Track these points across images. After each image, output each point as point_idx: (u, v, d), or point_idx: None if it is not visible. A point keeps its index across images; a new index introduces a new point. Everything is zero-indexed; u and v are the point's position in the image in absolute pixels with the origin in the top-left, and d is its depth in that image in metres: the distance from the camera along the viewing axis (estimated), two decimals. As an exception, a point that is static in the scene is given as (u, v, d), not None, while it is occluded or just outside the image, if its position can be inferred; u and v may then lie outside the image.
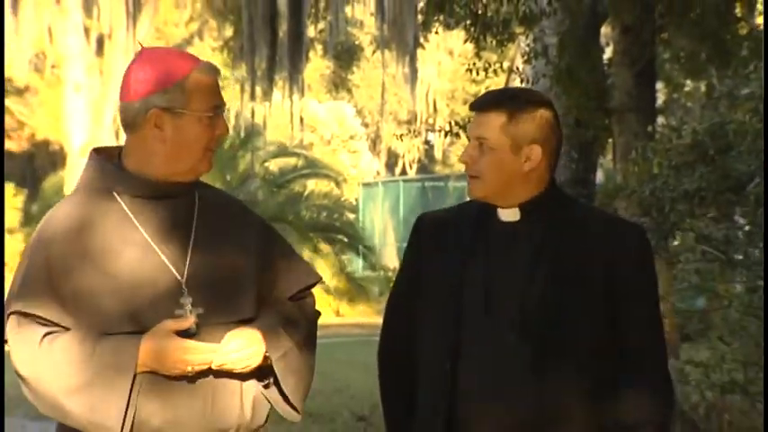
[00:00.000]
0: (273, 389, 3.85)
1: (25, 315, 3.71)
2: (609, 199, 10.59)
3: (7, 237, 42.43)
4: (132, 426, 3.64)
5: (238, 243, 3.89)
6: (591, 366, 3.78)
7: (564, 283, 3.79)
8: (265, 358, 3.77)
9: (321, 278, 4.19)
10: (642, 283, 3.89)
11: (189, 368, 3.63)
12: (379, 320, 4.23)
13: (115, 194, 3.79)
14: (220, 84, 3.89)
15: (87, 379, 3.61)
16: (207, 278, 3.77)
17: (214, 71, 3.89)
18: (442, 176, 43.44)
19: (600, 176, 16.98)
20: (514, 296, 3.79)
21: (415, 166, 51.87)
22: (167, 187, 3.82)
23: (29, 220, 40.61)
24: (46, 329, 3.69)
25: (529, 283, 3.80)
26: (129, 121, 3.82)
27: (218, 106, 3.86)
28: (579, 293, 3.79)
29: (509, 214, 3.89)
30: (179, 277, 3.73)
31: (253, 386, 3.81)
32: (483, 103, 3.96)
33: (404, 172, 50.62)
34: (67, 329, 3.68)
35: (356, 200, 39.83)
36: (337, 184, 36.11)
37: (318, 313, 4.10)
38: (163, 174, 3.81)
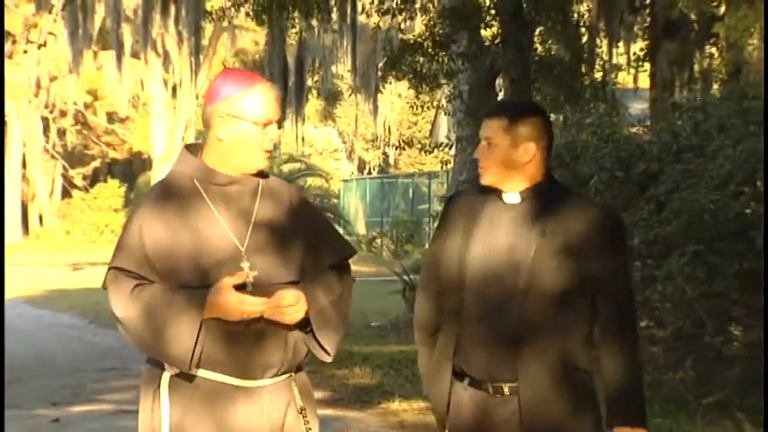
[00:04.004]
0: (311, 336, 3.43)
1: (121, 270, 3.37)
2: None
3: (113, 214, 42.36)
4: (201, 357, 3.30)
5: (291, 221, 3.46)
6: (564, 310, 3.36)
7: (548, 250, 3.36)
8: (306, 312, 3.38)
9: (356, 251, 3.69)
10: (613, 252, 3.43)
11: (245, 316, 3.27)
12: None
13: (195, 181, 3.40)
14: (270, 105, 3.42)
15: (165, 322, 3.28)
16: (263, 248, 3.38)
17: (270, 91, 3.42)
18: (393, 175, 43.29)
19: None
20: (511, 257, 3.39)
21: (376, 169, 51.74)
22: (234, 177, 3.41)
23: (128, 203, 40.58)
24: (136, 282, 3.34)
25: (522, 248, 3.38)
26: (205, 123, 3.48)
27: (270, 118, 3.38)
28: (560, 257, 3.36)
29: (511, 198, 3.47)
30: (240, 247, 3.34)
31: (295, 333, 3.40)
32: (490, 111, 3.59)
33: (369, 173, 50.36)
34: (153, 282, 3.35)
35: (338, 191, 39.69)
36: (326, 180, 36.10)
37: (353, 279, 3.63)
38: (227, 167, 3.40)
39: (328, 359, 3.46)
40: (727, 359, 7.90)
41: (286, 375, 3.44)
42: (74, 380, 10.98)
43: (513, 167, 3.46)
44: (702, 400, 7.72)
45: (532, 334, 3.36)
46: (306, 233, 3.49)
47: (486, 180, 3.50)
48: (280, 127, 3.55)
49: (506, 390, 3.40)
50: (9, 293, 22.08)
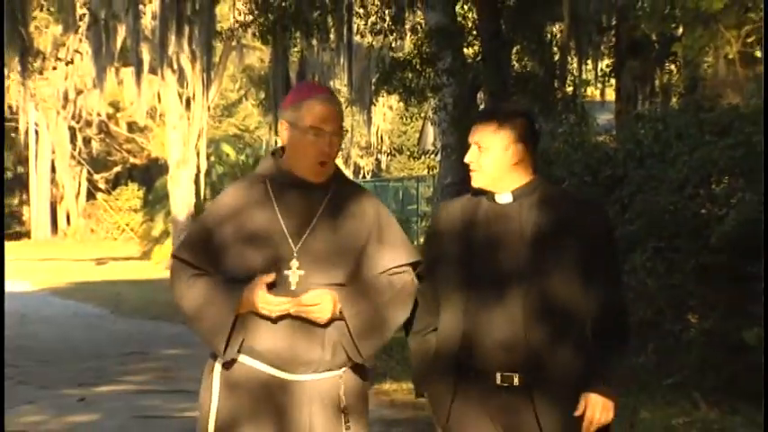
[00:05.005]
0: (348, 337, 3.17)
1: (181, 260, 3.26)
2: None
3: (133, 214, 42.31)
4: (241, 347, 3.16)
5: (354, 228, 3.23)
6: (565, 301, 3.18)
7: (543, 244, 3.18)
8: (341, 313, 3.14)
9: (419, 260, 3.32)
10: (606, 242, 3.27)
11: (272, 313, 3.11)
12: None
13: (267, 181, 3.24)
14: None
15: (209, 312, 3.17)
16: (315, 249, 3.17)
17: (327, 102, 3.22)
18: (385, 179, 43.17)
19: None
20: (510, 255, 3.20)
21: (370, 174, 51.65)
22: (303, 180, 3.22)
23: (146, 204, 40.38)
24: (193, 271, 3.22)
25: (519, 244, 3.19)
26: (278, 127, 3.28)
27: (320, 127, 3.18)
28: (555, 251, 3.18)
29: (503, 198, 3.27)
30: (293, 246, 3.15)
31: (335, 333, 3.16)
32: (480, 117, 3.39)
33: (363, 177, 50.29)
34: (207, 273, 3.22)
35: (336, 193, 39.56)
36: (325, 184, 35.99)
37: (414, 286, 3.29)
38: (295, 170, 3.23)
39: (361, 361, 3.20)
40: (685, 344, 7.91)
41: (332, 373, 3.21)
42: (97, 363, 10.95)
43: (504, 169, 3.26)
44: (663, 382, 7.74)
45: (540, 326, 3.17)
46: (368, 241, 3.25)
47: (478, 183, 3.31)
48: (340, 141, 3.26)
49: (516, 380, 3.18)
50: (39, 285, 22.14)
